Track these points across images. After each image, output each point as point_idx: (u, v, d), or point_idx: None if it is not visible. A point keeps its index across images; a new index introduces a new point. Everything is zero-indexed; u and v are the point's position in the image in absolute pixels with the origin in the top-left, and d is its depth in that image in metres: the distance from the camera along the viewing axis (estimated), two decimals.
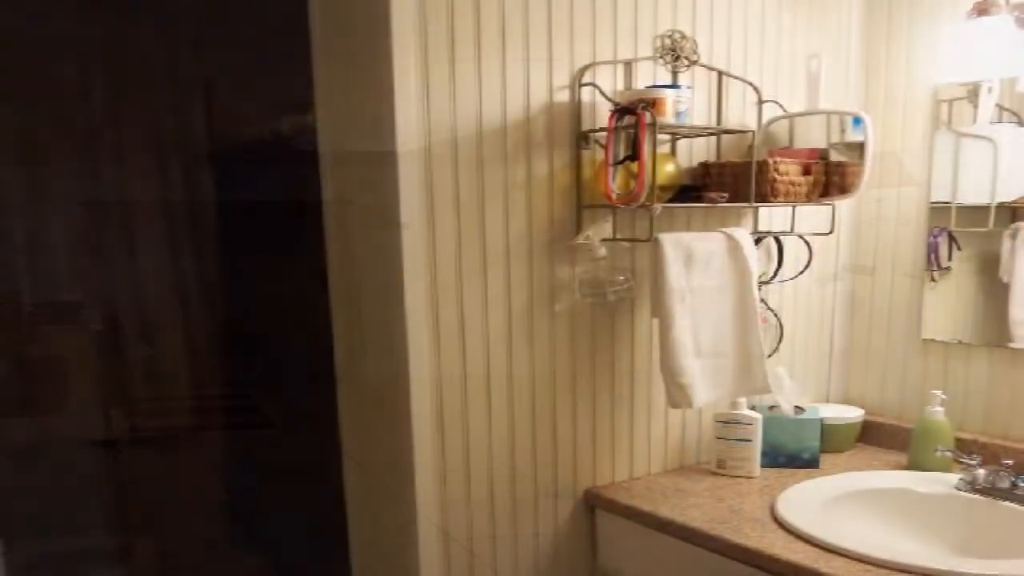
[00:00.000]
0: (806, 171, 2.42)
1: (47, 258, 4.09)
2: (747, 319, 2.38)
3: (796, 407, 2.64)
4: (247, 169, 3.89)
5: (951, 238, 2.61)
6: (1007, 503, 2.24)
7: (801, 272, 2.65)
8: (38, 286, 4.11)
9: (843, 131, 2.54)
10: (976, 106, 2.51)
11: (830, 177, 2.46)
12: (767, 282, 2.59)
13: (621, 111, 2.15)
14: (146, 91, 4.16)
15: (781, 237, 2.58)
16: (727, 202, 2.34)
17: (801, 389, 2.82)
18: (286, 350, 3.70)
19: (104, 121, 4.11)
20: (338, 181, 2.33)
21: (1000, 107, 2.47)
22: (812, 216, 2.64)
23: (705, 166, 2.46)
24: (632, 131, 2.13)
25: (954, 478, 2.37)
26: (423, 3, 1.98)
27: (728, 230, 2.38)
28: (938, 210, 2.63)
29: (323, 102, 2.35)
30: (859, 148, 2.43)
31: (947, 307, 2.66)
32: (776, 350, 2.65)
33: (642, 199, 2.11)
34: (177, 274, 4.37)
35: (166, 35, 4.18)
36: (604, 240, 2.28)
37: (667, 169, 2.31)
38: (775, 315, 2.65)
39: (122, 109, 4.13)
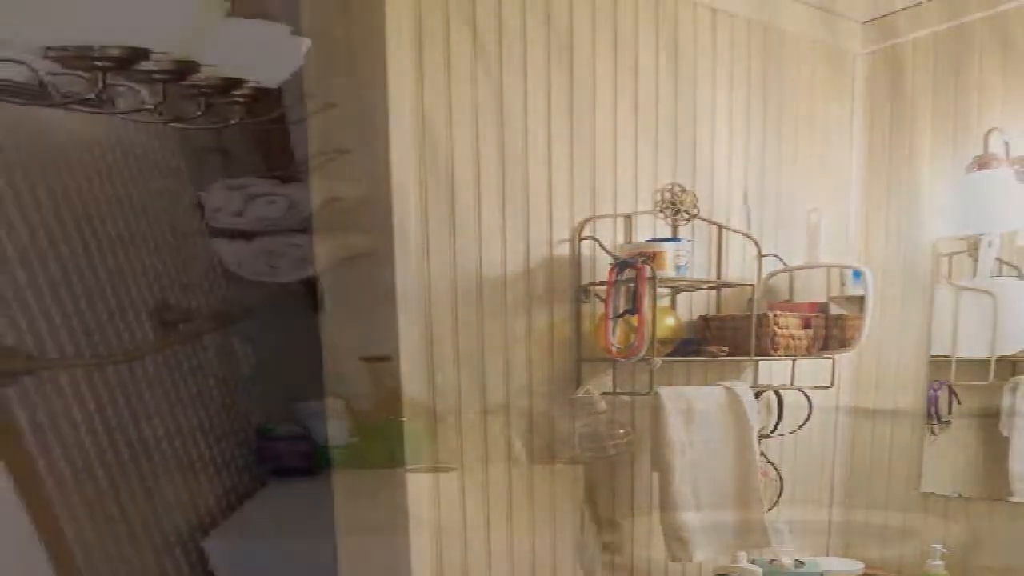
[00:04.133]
0: (806, 325, 2.43)
1: None
2: (747, 473, 2.36)
3: (796, 560, 2.60)
4: (247, 324, 3.89)
5: (951, 391, 2.60)
6: None
7: (801, 426, 2.64)
8: None
9: (843, 284, 2.55)
10: (976, 259, 2.52)
11: (830, 331, 2.46)
12: (767, 436, 2.58)
13: (621, 265, 2.15)
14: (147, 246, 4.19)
15: (781, 391, 2.58)
16: (727, 356, 2.34)
17: (801, 542, 2.78)
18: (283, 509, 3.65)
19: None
20: (339, 336, 2.33)
21: (1000, 260, 2.48)
22: (812, 369, 2.63)
23: (705, 320, 2.46)
24: (632, 285, 2.13)
25: None
26: (423, 160, 2.00)
27: (728, 384, 2.38)
28: (938, 363, 2.62)
29: (324, 261, 2.36)
30: (859, 301, 2.43)
31: (947, 460, 2.65)
32: (776, 503, 2.62)
33: (642, 353, 2.11)
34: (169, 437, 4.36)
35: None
36: (604, 394, 2.27)
37: (667, 322, 2.31)
38: (775, 468, 2.62)
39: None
